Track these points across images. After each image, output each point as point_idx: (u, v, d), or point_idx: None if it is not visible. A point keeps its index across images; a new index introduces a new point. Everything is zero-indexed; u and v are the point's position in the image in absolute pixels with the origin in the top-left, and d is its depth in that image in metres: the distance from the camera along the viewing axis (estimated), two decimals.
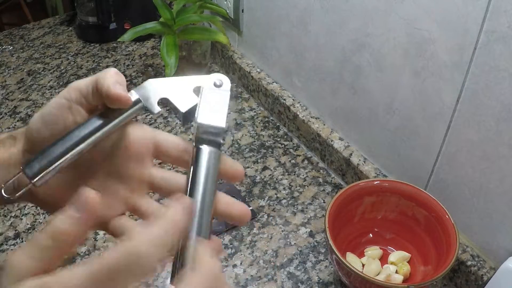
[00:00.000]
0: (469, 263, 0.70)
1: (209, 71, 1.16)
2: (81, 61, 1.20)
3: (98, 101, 0.42)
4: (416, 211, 0.73)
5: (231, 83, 0.47)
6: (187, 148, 0.46)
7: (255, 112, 1.05)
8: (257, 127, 1.01)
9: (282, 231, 0.81)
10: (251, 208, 0.84)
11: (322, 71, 0.89)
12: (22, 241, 0.79)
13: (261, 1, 0.98)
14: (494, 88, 0.61)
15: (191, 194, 0.42)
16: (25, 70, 1.17)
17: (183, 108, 0.46)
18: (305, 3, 0.86)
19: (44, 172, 0.39)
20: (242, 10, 1.04)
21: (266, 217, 0.83)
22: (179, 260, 0.38)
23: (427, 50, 0.67)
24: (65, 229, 0.34)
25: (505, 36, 0.57)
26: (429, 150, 0.73)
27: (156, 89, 0.46)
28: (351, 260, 0.72)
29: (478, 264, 0.70)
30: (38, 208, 0.84)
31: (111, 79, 0.42)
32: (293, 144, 0.98)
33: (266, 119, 1.04)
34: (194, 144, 0.43)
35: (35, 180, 0.39)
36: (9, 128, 1.02)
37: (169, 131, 1.00)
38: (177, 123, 1.02)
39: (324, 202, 0.86)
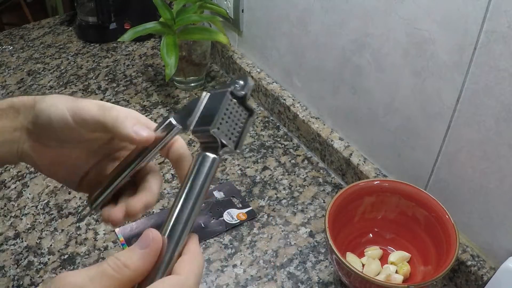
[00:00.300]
0: (469, 263, 0.70)
1: (209, 71, 1.16)
2: (81, 61, 1.20)
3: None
4: (416, 211, 0.73)
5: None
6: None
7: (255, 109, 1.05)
8: (257, 127, 1.01)
9: (282, 231, 0.81)
10: (251, 208, 0.84)
11: (322, 71, 0.89)
12: (22, 241, 0.79)
13: (261, 1, 0.98)
14: (494, 88, 0.61)
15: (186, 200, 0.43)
16: (25, 70, 1.17)
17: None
18: (305, 3, 0.86)
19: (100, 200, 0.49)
20: (242, 10, 1.04)
21: (266, 217, 0.83)
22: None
23: (427, 50, 0.67)
24: (131, 263, 0.38)
25: (505, 36, 0.57)
26: (429, 150, 0.73)
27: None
28: (351, 260, 0.72)
29: (478, 264, 0.70)
30: (38, 208, 0.85)
31: (130, 127, 0.44)
32: (293, 144, 0.98)
33: (266, 119, 1.04)
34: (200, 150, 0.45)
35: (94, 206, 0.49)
36: None
37: None
38: None
39: (324, 202, 0.86)
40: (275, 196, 0.87)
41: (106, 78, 1.14)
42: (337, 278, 0.74)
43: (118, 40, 1.00)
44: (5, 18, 2.37)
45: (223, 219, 0.82)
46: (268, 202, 0.85)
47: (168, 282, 0.38)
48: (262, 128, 1.01)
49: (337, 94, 0.87)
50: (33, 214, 0.84)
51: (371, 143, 0.84)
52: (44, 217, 0.83)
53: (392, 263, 0.73)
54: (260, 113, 1.05)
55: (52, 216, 0.83)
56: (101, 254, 0.77)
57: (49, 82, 1.13)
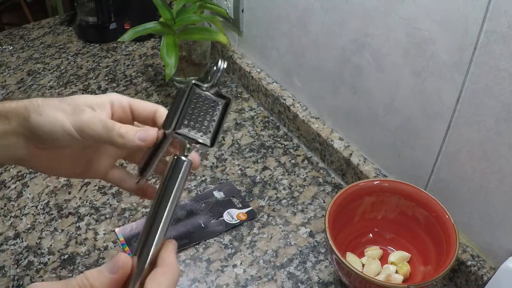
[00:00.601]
0: (469, 263, 0.70)
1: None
2: (81, 61, 1.20)
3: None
4: (416, 211, 0.73)
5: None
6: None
7: (255, 112, 1.05)
8: (257, 127, 1.01)
9: (282, 231, 0.81)
10: (251, 208, 0.84)
11: (322, 71, 0.89)
12: (22, 241, 0.79)
13: (261, 1, 0.98)
14: (494, 88, 0.61)
15: (162, 202, 0.44)
16: (25, 70, 1.17)
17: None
18: (305, 3, 0.86)
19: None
20: (242, 10, 1.04)
21: (266, 217, 0.83)
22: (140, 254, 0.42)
23: (427, 50, 0.67)
24: (98, 285, 0.39)
25: (505, 36, 0.57)
26: (429, 150, 0.73)
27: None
28: (351, 260, 0.72)
29: (478, 264, 0.70)
30: (38, 208, 0.85)
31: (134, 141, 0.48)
32: (293, 144, 0.98)
33: (266, 119, 1.04)
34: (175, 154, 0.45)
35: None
36: None
37: None
38: None
39: (324, 202, 0.86)
40: (275, 196, 0.87)
41: (106, 78, 1.14)
42: (337, 278, 0.74)
43: (118, 40, 1.00)
44: (5, 18, 2.37)
45: (223, 219, 0.82)
46: (268, 202, 0.85)
47: None
48: (262, 128, 1.01)
49: (337, 94, 0.87)
50: (33, 214, 0.84)
51: (371, 143, 0.84)
52: (44, 217, 0.83)
53: (392, 263, 0.73)
54: (260, 113, 1.05)
55: (52, 216, 0.83)
56: (101, 254, 0.77)
57: (49, 82, 1.13)
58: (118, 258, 0.41)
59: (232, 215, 0.83)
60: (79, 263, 0.76)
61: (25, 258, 0.77)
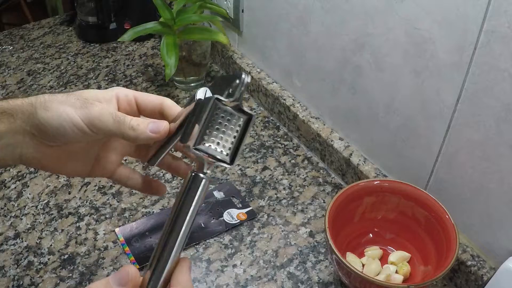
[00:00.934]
0: (469, 263, 0.70)
1: (209, 71, 1.16)
2: (81, 61, 1.20)
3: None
4: (416, 211, 0.73)
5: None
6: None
7: (255, 112, 1.05)
8: (257, 127, 1.01)
9: (282, 231, 0.81)
10: (251, 208, 0.84)
11: (322, 71, 0.89)
12: (22, 241, 0.79)
13: (261, 1, 0.98)
14: (494, 88, 0.61)
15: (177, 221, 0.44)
16: (25, 70, 1.17)
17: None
18: (305, 3, 0.86)
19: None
20: (242, 10, 1.04)
21: (266, 217, 0.83)
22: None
23: (427, 50, 0.67)
24: None
25: (505, 36, 0.57)
26: (429, 150, 0.73)
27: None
28: (351, 260, 0.72)
29: (478, 264, 0.70)
30: (38, 208, 0.85)
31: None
32: (293, 144, 0.98)
33: (266, 119, 1.04)
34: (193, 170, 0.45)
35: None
36: None
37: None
38: None
39: (324, 202, 0.86)
40: (275, 196, 0.87)
41: (106, 78, 1.14)
42: (337, 278, 0.74)
43: (118, 40, 1.00)
44: (5, 18, 2.37)
45: (223, 219, 0.82)
46: (268, 202, 0.85)
47: None
48: (262, 128, 1.01)
49: (337, 94, 0.87)
50: (33, 214, 0.84)
51: (371, 143, 0.84)
52: (44, 217, 0.83)
53: (392, 263, 0.73)
54: (260, 113, 1.05)
55: (52, 216, 0.83)
56: (101, 254, 0.77)
57: (49, 82, 1.13)
58: (127, 270, 0.40)
59: (232, 215, 0.83)
60: (79, 263, 0.76)
61: (25, 258, 0.77)
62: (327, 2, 0.81)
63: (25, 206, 0.85)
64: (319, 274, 0.75)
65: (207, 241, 0.79)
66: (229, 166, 0.43)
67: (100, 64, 1.19)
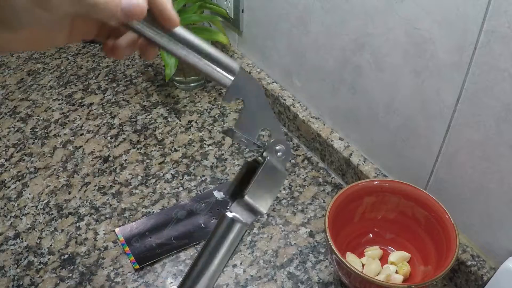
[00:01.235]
0: (469, 263, 0.70)
1: None
2: (81, 61, 1.20)
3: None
4: (416, 211, 0.73)
5: None
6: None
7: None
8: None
9: (282, 231, 0.81)
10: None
11: (322, 71, 0.88)
12: (22, 241, 0.79)
13: (261, 1, 0.98)
14: (494, 88, 0.61)
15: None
16: (25, 70, 1.17)
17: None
18: (305, 3, 0.86)
19: None
20: (242, 10, 1.04)
21: (266, 217, 0.83)
22: None
23: (427, 50, 0.67)
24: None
25: (505, 36, 0.57)
26: (429, 150, 0.73)
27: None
28: (351, 260, 0.72)
29: (478, 264, 0.70)
30: (38, 208, 0.85)
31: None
32: (293, 144, 0.98)
33: None
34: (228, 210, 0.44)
35: None
36: (9, 128, 1.02)
37: (169, 131, 1.00)
38: (177, 123, 1.02)
39: (324, 202, 0.86)
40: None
41: (106, 78, 1.15)
42: (337, 278, 0.74)
43: None
44: None
45: None
46: None
47: None
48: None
49: (337, 94, 0.87)
50: (33, 214, 0.84)
51: (371, 143, 0.84)
52: (44, 217, 0.83)
53: (392, 263, 0.73)
54: None
55: (52, 216, 0.83)
56: (101, 254, 0.77)
57: (49, 82, 1.13)
58: None
59: None
60: (79, 263, 0.76)
61: (25, 258, 0.77)
62: (327, 2, 0.81)
63: (25, 206, 0.85)
64: (319, 274, 0.75)
65: None
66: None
67: (100, 64, 1.19)
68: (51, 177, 0.90)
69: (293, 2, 0.89)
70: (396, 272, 0.72)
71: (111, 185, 0.88)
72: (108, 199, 0.86)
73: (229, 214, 0.44)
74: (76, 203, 0.86)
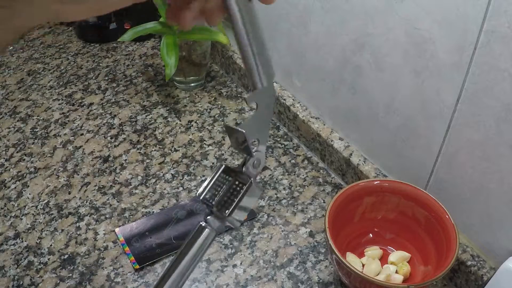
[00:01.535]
0: (469, 263, 0.70)
1: (209, 71, 1.16)
2: (81, 61, 1.20)
3: None
4: (416, 211, 0.73)
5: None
6: None
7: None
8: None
9: (282, 231, 0.81)
10: (251, 208, 0.84)
11: (322, 71, 0.88)
12: (22, 241, 0.79)
13: None
14: (494, 88, 0.61)
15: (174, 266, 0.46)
16: (25, 70, 1.17)
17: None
18: (305, 3, 0.86)
19: None
20: None
21: (266, 217, 0.83)
22: None
23: (427, 50, 0.67)
24: None
25: (505, 36, 0.57)
26: (429, 150, 0.73)
27: None
28: (351, 260, 0.72)
29: (478, 264, 0.70)
30: (38, 208, 0.85)
31: None
32: (293, 144, 0.98)
33: None
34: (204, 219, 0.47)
35: None
36: (9, 128, 1.02)
37: (169, 131, 1.00)
38: (177, 123, 1.02)
39: (324, 202, 0.86)
40: (275, 196, 0.87)
41: (106, 78, 1.15)
42: (337, 278, 0.74)
43: (118, 40, 1.00)
44: None
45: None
46: (268, 202, 0.85)
47: None
48: None
49: (337, 94, 0.87)
50: (33, 214, 0.84)
51: (371, 143, 0.84)
52: (44, 217, 0.83)
53: (392, 263, 0.73)
54: None
55: (52, 216, 0.83)
56: (101, 254, 0.77)
57: (49, 82, 1.13)
58: None
59: None
60: (79, 263, 0.76)
61: (25, 258, 0.77)
62: (327, 2, 0.81)
63: (25, 206, 0.85)
64: (319, 274, 0.75)
65: None
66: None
67: (100, 64, 1.19)
68: (51, 177, 0.90)
69: (293, 2, 0.89)
70: (396, 272, 0.72)
71: (111, 185, 0.88)
72: (108, 199, 0.86)
73: (203, 224, 0.47)
74: (76, 203, 0.86)
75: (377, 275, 0.71)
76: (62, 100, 1.08)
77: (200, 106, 1.06)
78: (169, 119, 1.03)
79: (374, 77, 0.78)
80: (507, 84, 0.59)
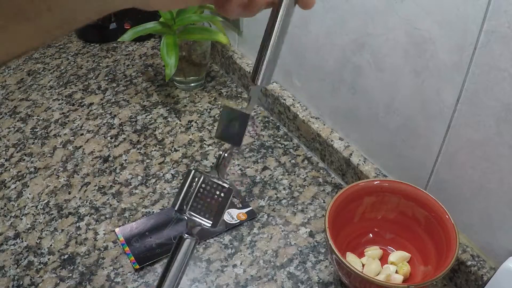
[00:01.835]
0: (469, 263, 0.70)
1: (209, 71, 1.16)
2: (81, 61, 1.20)
3: None
4: (416, 211, 0.73)
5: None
6: None
7: (255, 112, 1.05)
8: (257, 127, 1.01)
9: (282, 231, 0.81)
10: (251, 208, 0.84)
11: (322, 71, 0.88)
12: (22, 241, 0.79)
13: None
14: (494, 88, 0.61)
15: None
16: (25, 70, 1.17)
17: None
18: None
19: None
20: None
21: (266, 217, 0.83)
22: None
23: (427, 50, 0.67)
24: None
25: (505, 36, 0.57)
26: (429, 150, 0.73)
27: None
28: (351, 260, 0.72)
29: (478, 264, 0.70)
30: (38, 208, 0.85)
31: None
32: (293, 144, 0.98)
33: (266, 119, 1.04)
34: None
35: None
36: (9, 128, 1.02)
37: (169, 131, 1.00)
38: (177, 123, 1.02)
39: (324, 202, 0.86)
40: (275, 196, 0.87)
41: (106, 78, 1.15)
42: (337, 278, 0.74)
43: (118, 40, 1.00)
44: None
45: (223, 219, 0.82)
46: (268, 202, 0.86)
47: None
48: (262, 128, 1.01)
49: (337, 94, 0.87)
50: (33, 214, 0.84)
51: (371, 143, 0.84)
52: (44, 217, 0.83)
53: (392, 263, 0.73)
54: (260, 113, 1.05)
55: (52, 216, 0.83)
56: (101, 254, 0.77)
57: (49, 82, 1.13)
58: None
59: (232, 215, 0.83)
60: (79, 263, 0.76)
61: (25, 258, 0.77)
62: (327, 2, 0.81)
63: (25, 206, 0.85)
64: (319, 274, 0.75)
65: (207, 241, 0.79)
66: (211, 228, 0.48)
67: (100, 64, 1.19)
68: (51, 177, 0.90)
69: None
70: (396, 272, 0.72)
71: (111, 185, 0.88)
72: (108, 199, 0.86)
73: (185, 236, 0.48)
74: (76, 203, 0.86)
75: (377, 275, 0.71)
76: (62, 100, 1.09)
77: (200, 106, 1.06)
78: (169, 119, 1.03)
79: (374, 77, 0.78)
80: (507, 84, 0.59)
